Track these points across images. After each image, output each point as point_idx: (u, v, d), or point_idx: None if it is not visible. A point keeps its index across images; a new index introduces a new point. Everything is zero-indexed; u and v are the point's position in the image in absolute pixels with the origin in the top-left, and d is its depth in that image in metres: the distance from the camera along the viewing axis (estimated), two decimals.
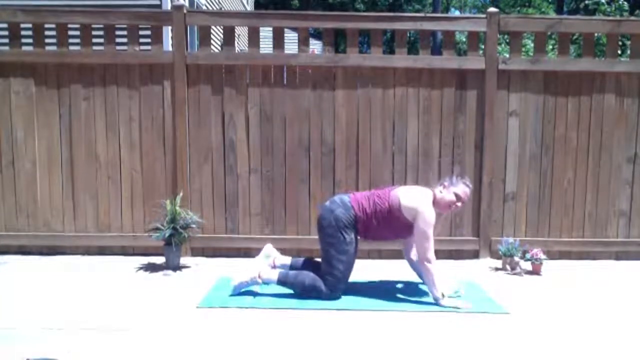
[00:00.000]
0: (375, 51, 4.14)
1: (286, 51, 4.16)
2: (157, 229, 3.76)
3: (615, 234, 4.23)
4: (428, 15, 4.24)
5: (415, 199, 3.07)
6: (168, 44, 4.89)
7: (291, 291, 3.17)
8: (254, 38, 4.14)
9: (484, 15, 4.09)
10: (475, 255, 4.20)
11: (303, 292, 3.11)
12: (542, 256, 3.79)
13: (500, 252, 3.94)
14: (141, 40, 4.10)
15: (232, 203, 4.15)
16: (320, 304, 3.00)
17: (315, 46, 13.76)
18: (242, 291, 3.18)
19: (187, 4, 8.74)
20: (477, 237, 4.18)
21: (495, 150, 4.14)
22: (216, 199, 4.15)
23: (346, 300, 3.10)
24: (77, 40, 4.05)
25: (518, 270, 3.84)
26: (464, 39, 10.75)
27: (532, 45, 7.15)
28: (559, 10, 17.06)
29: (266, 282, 3.19)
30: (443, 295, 3.05)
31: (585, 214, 4.20)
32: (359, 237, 3.17)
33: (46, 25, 4.06)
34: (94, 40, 4.06)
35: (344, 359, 2.33)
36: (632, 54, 4.16)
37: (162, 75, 4.06)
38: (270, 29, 4.15)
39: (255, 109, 4.11)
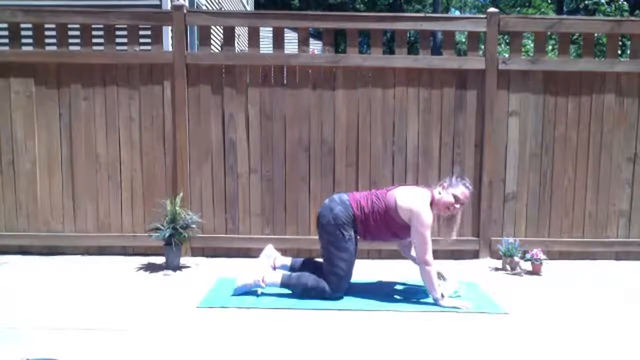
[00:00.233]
0: (375, 51, 4.14)
1: (286, 51, 4.16)
2: (157, 229, 3.76)
3: (616, 234, 4.23)
4: (428, 15, 4.24)
5: (410, 199, 3.04)
6: (168, 44, 4.91)
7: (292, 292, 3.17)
8: (254, 38, 4.14)
9: (483, 16, 4.10)
10: (475, 255, 4.20)
11: (305, 293, 3.10)
12: (542, 256, 3.79)
13: (500, 252, 3.94)
14: (141, 40, 4.10)
15: (232, 203, 4.15)
16: (321, 304, 3.00)
17: (315, 46, 13.75)
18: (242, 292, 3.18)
19: (187, 4, 8.75)
20: (477, 237, 4.19)
21: (496, 150, 4.14)
22: (216, 199, 4.15)
23: (346, 300, 3.10)
24: (77, 41, 4.05)
25: (518, 270, 3.84)
26: (464, 39, 10.74)
27: (532, 45, 7.16)
28: (559, 11, 17.06)
29: (269, 286, 3.18)
30: (442, 296, 3.05)
31: (585, 214, 4.20)
32: (358, 237, 3.16)
33: (46, 25, 4.06)
34: (94, 40, 4.07)
35: (344, 359, 2.33)
36: (632, 54, 4.16)
37: (162, 75, 4.06)
38: (270, 29, 4.15)
39: (255, 109, 4.11)
